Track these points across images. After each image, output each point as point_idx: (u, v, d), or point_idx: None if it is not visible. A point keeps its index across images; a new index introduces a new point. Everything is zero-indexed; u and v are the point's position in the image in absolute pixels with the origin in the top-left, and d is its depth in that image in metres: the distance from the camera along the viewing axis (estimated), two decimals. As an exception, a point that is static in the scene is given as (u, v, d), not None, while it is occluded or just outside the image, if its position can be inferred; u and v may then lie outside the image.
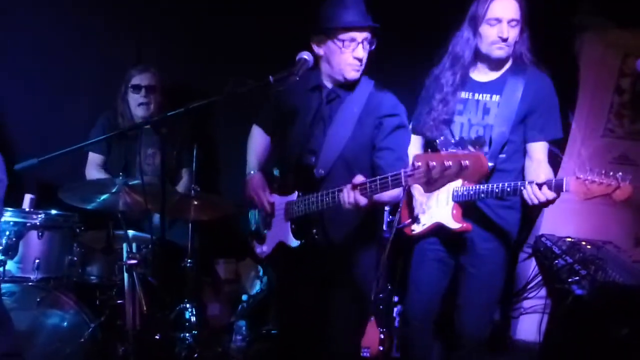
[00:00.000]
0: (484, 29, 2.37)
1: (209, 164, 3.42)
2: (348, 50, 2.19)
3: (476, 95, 2.48)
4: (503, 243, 2.54)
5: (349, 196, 2.04)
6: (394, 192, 2.19)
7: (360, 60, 2.21)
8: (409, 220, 2.65)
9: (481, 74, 2.50)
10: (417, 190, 2.59)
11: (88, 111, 3.27)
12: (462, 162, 1.67)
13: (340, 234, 2.36)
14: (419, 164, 1.77)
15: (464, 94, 2.49)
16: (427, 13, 3.17)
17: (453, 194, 2.48)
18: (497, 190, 2.32)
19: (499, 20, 2.35)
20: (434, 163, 1.72)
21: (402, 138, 2.29)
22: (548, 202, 2.22)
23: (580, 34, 3.34)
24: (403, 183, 1.91)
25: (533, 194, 2.21)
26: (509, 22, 2.34)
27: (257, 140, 2.59)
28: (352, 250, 2.39)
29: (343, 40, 2.18)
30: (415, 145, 2.70)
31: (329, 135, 2.28)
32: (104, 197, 2.57)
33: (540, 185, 2.19)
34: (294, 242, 2.34)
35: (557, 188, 2.18)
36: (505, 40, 2.35)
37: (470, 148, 2.45)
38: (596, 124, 3.39)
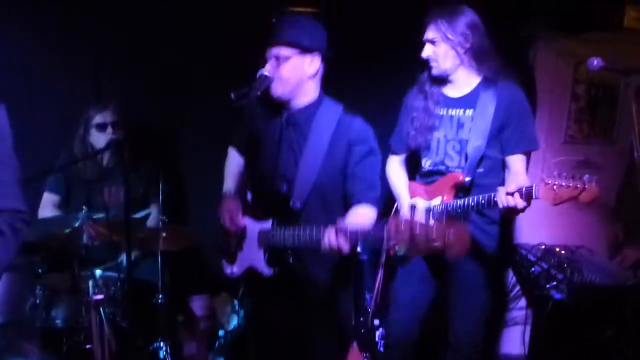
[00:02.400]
0: None
1: (176, 197, 3.35)
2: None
3: (450, 110, 2.52)
4: (487, 258, 2.53)
5: (332, 240, 1.99)
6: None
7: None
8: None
9: (452, 90, 2.54)
10: (402, 209, 2.59)
11: (47, 150, 3.17)
12: (447, 239, 1.71)
13: (315, 260, 2.29)
14: (403, 228, 1.78)
15: (438, 110, 2.54)
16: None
17: (432, 212, 2.48)
18: (472, 204, 2.35)
19: (424, 44, 2.50)
20: (418, 232, 1.74)
21: (372, 165, 2.26)
22: (519, 210, 2.22)
23: (533, 45, 3.46)
24: (385, 247, 1.89)
25: (506, 201, 2.22)
26: (429, 41, 2.47)
27: (233, 162, 2.57)
28: (328, 277, 2.33)
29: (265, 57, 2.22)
30: (395, 166, 2.74)
31: (301, 164, 2.24)
32: (67, 231, 2.46)
33: (511, 193, 2.21)
34: (267, 270, 2.29)
35: (527, 195, 2.19)
36: (426, 59, 2.49)
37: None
38: (557, 131, 3.48)
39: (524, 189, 2.19)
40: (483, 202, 2.32)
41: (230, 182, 2.54)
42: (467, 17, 2.43)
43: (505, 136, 2.46)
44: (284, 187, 2.26)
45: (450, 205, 2.43)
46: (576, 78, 3.48)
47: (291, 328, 2.43)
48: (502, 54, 2.52)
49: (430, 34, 2.46)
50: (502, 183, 2.51)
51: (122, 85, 3.29)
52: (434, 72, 2.49)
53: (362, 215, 2.19)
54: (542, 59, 3.46)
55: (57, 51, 3.24)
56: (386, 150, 2.76)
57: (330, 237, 2.00)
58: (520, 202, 2.19)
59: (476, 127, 2.44)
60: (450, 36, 2.41)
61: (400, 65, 2.90)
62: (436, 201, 2.49)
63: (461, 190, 2.48)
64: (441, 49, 2.44)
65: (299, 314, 2.39)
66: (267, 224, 2.29)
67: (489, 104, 2.43)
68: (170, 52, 3.31)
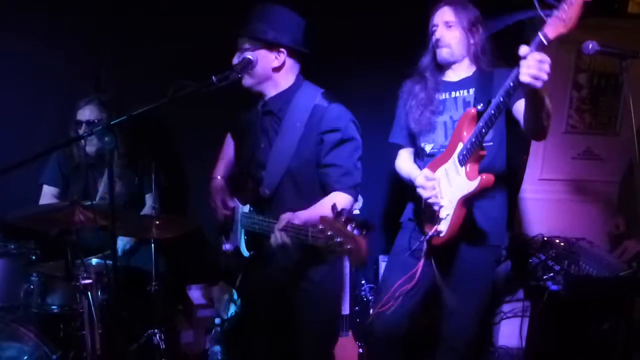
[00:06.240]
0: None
1: (173, 187, 3.36)
2: None
3: (453, 93, 2.52)
4: (488, 245, 2.51)
5: (278, 236, 1.98)
6: None
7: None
8: (434, 229, 2.42)
9: (450, 75, 2.55)
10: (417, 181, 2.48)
11: (47, 142, 3.20)
12: (347, 246, 1.73)
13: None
14: (322, 227, 1.80)
15: (441, 96, 2.52)
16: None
17: (459, 158, 2.35)
18: (494, 105, 2.14)
19: (436, 26, 2.49)
20: (332, 233, 1.77)
21: (347, 152, 2.20)
22: (545, 66, 1.99)
23: (533, 32, 3.37)
24: (310, 242, 1.86)
25: (527, 66, 1.98)
26: (444, 23, 2.46)
27: (226, 146, 2.64)
28: (306, 261, 2.29)
29: None
30: (404, 157, 2.68)
31: (273, 152, 2.24)
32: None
33: (525, 56, 1.98)
34: (245, 252, 2.35)
35: (540, 45, 1.98)
36: (438, 40, 2.47)
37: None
38: (558, 120, 3.39)
39: (532, 43, 1.97)
40: (508, 88, 2.07)
41: (220, 165, 2.61)
42: (476, 11, 2.48)
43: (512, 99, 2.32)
44: (260, 173, 2.28)
45: (474, 136, 2.25)
46: (578, 66, 3.39)
47: (273, 313, 2.45)
48: (501, 40, 2.50)
49: (447, 16, 2.45)
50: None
51: (116, 77, 3.28)
52: (443, 55, 2.48)
53: (323, 205, 2.11)
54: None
55: (55, 45, 3.25)
56: (387, 148, 2.74)
57: (276, 234, 1.99)
58: (538, 56, 1.96)
59: (481, 101, 2.42)
60: (465, 23, 2.43)
61: (394, 59, 2.87)
62: (459, 148, 2.35)
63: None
64: (456, 33, 2.44)
65: (280, 300, 2.38)
66: (247, 209, 2.36)
67: (488, 84, 2.43)
68: (165, 39, 3.29)
